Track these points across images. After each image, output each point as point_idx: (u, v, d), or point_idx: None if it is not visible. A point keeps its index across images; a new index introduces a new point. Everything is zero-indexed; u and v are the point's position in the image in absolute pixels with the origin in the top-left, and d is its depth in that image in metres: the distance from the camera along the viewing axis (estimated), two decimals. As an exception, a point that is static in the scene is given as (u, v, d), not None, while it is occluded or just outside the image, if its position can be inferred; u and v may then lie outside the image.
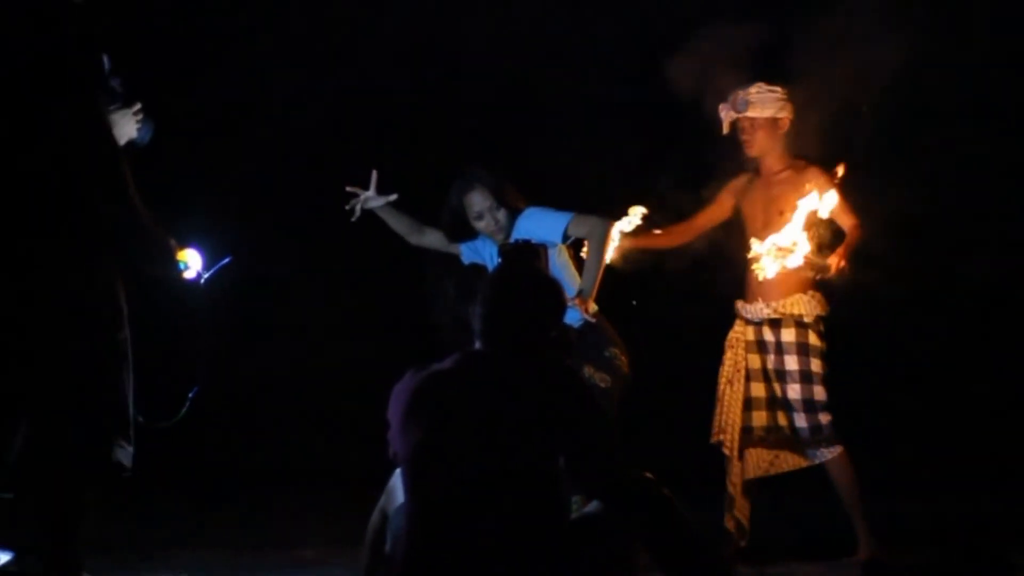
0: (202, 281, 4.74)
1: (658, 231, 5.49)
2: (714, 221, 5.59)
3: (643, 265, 5.43)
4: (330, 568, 5.35)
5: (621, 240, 5.27)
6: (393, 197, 5.33)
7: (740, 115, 5.37)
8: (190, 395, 4.73)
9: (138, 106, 4.51)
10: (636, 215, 5.30)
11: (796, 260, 5.14)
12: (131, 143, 4.51)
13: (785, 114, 5.38)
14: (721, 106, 5.45)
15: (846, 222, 5.25)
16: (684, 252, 5.59)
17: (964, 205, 7.01)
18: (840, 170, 5.23)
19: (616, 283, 5.09)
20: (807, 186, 5.25)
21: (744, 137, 5.41)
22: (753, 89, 5.37)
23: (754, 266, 5.21)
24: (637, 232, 5.34)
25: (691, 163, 5.73)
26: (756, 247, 5.20)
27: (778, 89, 5.38)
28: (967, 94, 6.67)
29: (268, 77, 7.34)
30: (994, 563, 5.24)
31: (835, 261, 5.11)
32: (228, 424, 7.38)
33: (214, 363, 5.01)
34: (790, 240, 5.14)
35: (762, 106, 5.36)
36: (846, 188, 5.28)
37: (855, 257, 5.15)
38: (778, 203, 5.34)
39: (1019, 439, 7.02)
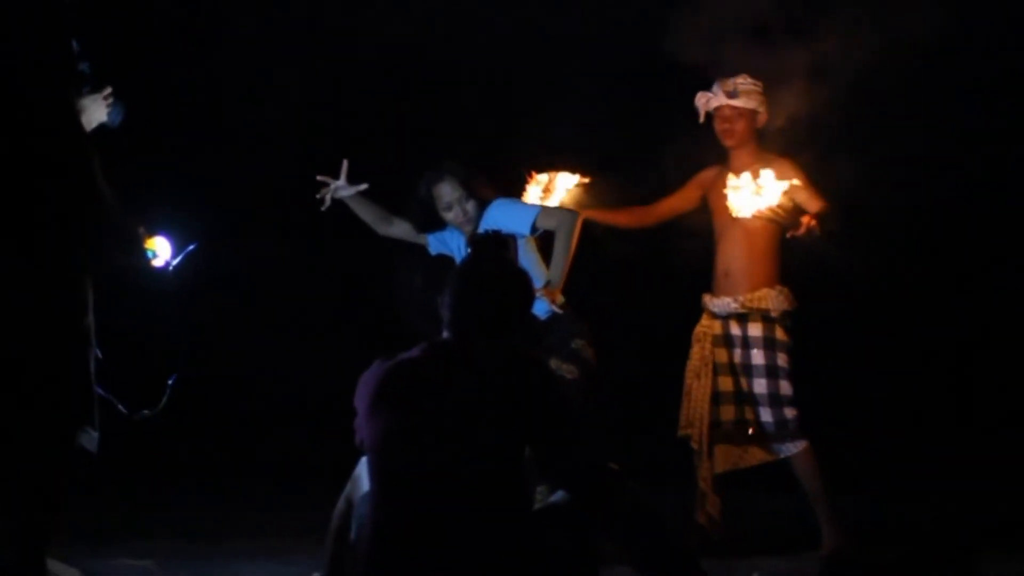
0: (170, 269, 4.74)
1: (620, 210, 5.53)
2: (678, 210, 5.61)
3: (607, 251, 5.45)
4: (297, 556, 5.35)
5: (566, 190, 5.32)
6: (364, 186, 5.34)
7: (728, 103, 5.37)
8: (170, 383, 4.73)
9: (108, 90, 4.50)
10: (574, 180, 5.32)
11: (770, 200, 5.12)
12: (102, 127, 4.50)
13: (764, 109, 5.42)
14: (700, 95, 5.46)
15: (814, 207, 5.24)
16: (645, 238, 5.61)
17: (927, 201, 7.05)
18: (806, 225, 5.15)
19: (583, 275, 5.10)
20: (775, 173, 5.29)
21: (725, 126, 5.41)
22: (740, 79, 5.40)
23: (729, 201, 5.20)
24: (590, 197, 5.35)
25: (667, 151, 5.74)
26: (733, 181, 5.19)
27: (759, 84, 5.41)
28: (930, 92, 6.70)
29: (242, 65, 7.30)
30: (955, 560, 5.28)
31: (807, 218, 5.09)
32: (197, 414, 7.35)
33: (191, 353, 5.00)
34: (767, 182, 5.13)
35: (747, 97, 5.38)
36: (814, 177, 5.30)
37: (825, 226, 5.11)
38: None
39: (986, 438, 7.08)
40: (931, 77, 6.36)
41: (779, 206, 5.15)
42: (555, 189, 5.45)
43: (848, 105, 5.40)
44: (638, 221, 5.62)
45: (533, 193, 5.42)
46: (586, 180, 5.44)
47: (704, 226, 5.53)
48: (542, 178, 5.46)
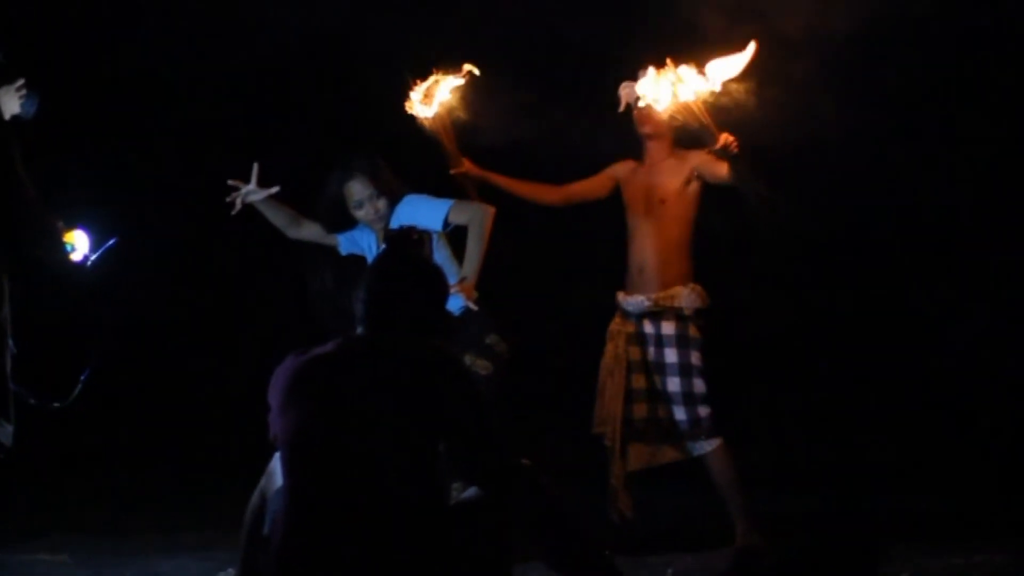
0: (89, 263, 4.72)
1: (527, 181, 5.55)
2: (586, 196, 5.62)
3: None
4: (211, 552, 5.34)
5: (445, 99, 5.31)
6: (275, 190, 5.25)
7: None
8: (82, 377, 4.71)
9: (21, 81, 4.46)
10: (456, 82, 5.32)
11: (687, 94, 5.01)
12: (16, 118, 4.46)
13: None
14: (624, 84, 5.48)
15: (724, 168, 5.23)
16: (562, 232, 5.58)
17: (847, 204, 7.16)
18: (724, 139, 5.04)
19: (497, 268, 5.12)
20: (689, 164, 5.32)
21: (643, 113, 5.41)
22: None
23: (644, 91, 5.14)
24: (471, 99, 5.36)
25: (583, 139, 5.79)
26: (651, 73, 5.11)
27: None
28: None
29: (158, 58, 7.26)
30: (868, 554, 5.37)
31: (726, 134, 5.02)
32: (114, 408, 7.31)
33: (106, 347, 4.97)
34: (689, 77, 5.03)
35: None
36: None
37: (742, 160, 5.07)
38: (659, 191, 5.40)
39: (905, 433, 7.17)
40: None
41: (706, 123, 5.03)
42: (436, 95, 5.36)
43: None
44: (542, 196, 5.60)
45: (415, 99, 5.34)
46: (470, 72, 5.30)
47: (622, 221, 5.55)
48: (423, 85, 5.35)
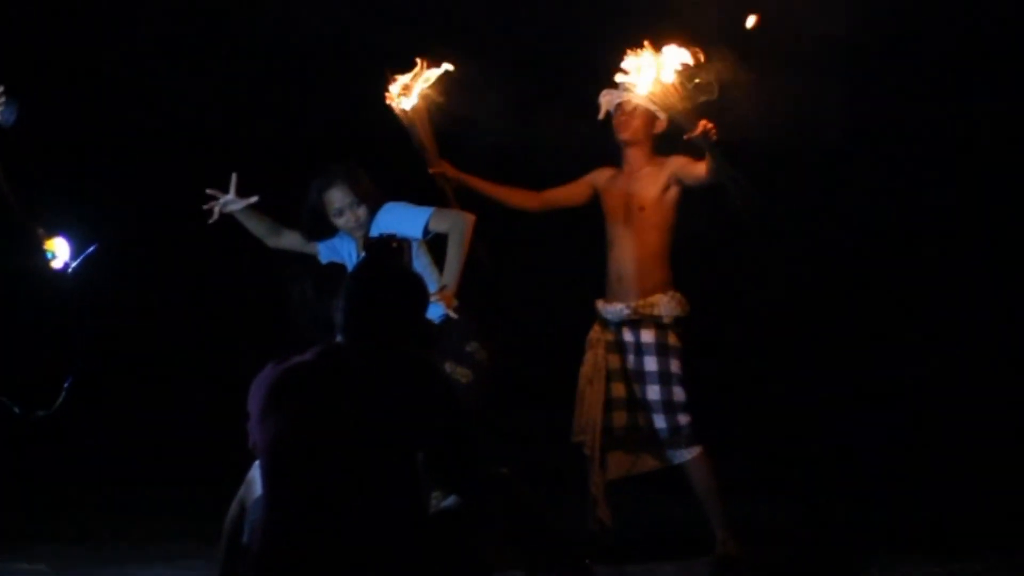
0: (69, 271, 4.71)
1: (505, 185, 5.56)
2: (564, 202, 5.63)
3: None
4: (191, 561, 5.34)
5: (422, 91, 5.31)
6: (253, 199, 5.23)
7: (627, 99, 5.39)
8: (66, 385, 4.70)
9: (0, 88, 4.45)
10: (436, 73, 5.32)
11: (668, 76, 5.01)
12: (-2, 127, 4.46)
13: (664, 116, 5.43)
14: (605, 91, 5.49)
15: (701, 168, 5.25)
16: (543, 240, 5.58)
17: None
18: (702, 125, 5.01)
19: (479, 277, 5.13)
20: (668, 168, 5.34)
21: (622, 119, 5.44)
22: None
23: (627, 78, 5.13)
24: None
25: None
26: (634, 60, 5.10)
27: None
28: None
29: (138, 66, 7.26)
30: (846, 562, 5.39)
31: (705, 121, 5.00)
32: (93, 417, 7.29)
33: (88, 355, 4.96)
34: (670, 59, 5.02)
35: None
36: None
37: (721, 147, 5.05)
38: (638, 198, 5.41)
39: (884, 442, 7.19)
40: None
41: (675, 89, 5.00)
42: (415, 87, 5.34)
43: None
44: (520, 201, 5.60)
45: (394, 92, 5.34)
46: (449, 68, 5.32)
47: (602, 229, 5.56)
48: (403, 79, 5.35)
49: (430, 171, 5.44)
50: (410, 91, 5.35)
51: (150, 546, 5.75)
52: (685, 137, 5.09)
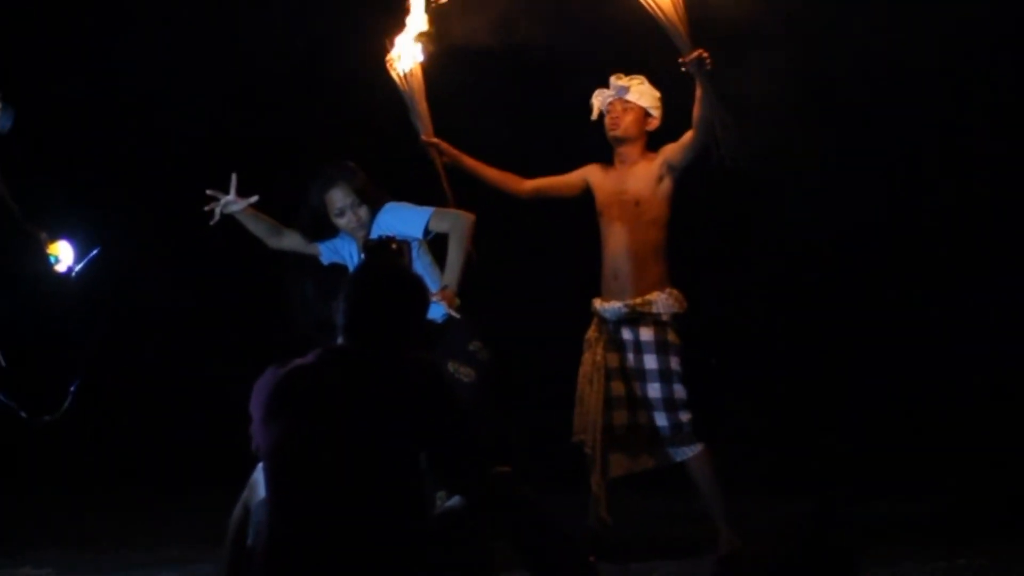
0: (73, 275, 4.72)
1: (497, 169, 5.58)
2: (556, 191, 5.63)
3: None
4: (195, 566, 5.35)
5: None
6: (253, 199, 5.21)
7: (617, 98, 5.42)
8: (71, 389, 4.71)
9: (-3, 94, 4.47)
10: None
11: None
12: (-3, 133, 4.47)
13: (657, 114, 5.46)
14: (597, 91, 5.51)
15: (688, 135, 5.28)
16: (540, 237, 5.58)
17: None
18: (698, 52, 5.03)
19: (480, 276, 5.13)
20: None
21: (614, 116, 5.45)
22: (636, 80, 5.46)
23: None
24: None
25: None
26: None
27: (657, 93, 5.49)
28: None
29: (139, 69, 7.27)
30: (848, 559, 5.38)
31: (700, 49, 5.01)
32: (98, 421, 7.31)
33: (92, 359, 4.98)
34: None
35: (639, 96, 5.43)
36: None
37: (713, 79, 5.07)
38: (632, 193, 5.41)
39: (887, 438, 7.19)
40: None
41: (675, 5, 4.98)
42: (410, 52, 5.41)
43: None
44: (512, 185, 5.60)
45: (393, 57, 5.38)
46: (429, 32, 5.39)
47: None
48: (400, 38, 5.41)
49: (422, 139, 5.46)
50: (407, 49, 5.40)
51: (155, 549, 5.76)
52: (679, 61, 5.07)
